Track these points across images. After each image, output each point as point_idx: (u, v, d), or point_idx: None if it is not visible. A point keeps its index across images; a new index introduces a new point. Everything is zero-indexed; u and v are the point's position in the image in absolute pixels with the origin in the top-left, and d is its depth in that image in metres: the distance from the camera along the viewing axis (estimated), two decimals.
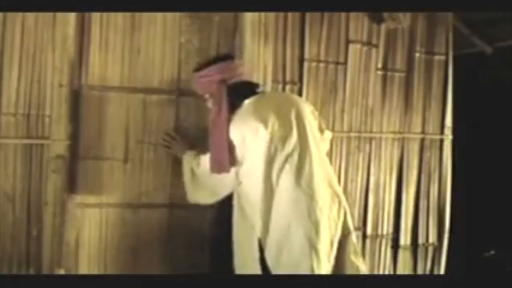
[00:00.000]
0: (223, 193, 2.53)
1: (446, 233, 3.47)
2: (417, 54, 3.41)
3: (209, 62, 2.57)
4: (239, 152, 2.40)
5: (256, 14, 2.91)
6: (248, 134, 2.38)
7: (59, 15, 2.62)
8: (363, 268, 2.54)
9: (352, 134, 3.24)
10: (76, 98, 2.68)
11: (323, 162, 2.50)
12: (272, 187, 2.38)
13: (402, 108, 3.38)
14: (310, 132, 2.48)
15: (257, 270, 2.40)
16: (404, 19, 3.25)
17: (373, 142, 3.31)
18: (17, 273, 2.60)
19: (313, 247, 2.34)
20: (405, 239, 3.40)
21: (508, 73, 4.27)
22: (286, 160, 2.38)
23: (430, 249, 3.46)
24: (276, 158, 2.38)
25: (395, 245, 3.38)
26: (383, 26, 3.28)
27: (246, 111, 2.45)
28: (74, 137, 2.68)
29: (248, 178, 2.42)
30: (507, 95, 4.35)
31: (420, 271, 3.42)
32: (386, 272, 3.33)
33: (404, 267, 3.40)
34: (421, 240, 3.43)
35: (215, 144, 2.43)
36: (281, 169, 2.38)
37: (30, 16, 2.60)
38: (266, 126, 2.38)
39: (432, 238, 3.46)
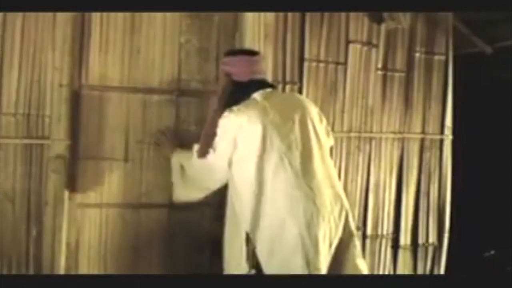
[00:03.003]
0: (213, 186, 2.53)
1: (446, 233, 3.47)
2: (417, 54, 3.41)
3: (231, 53, 2.62)
4: (232, 140, 2.40)
5: (256, 14, 2.91)
6: (246, 123, 2.38)
7: (59, 15, 2.62)
8: (365, 272, 2.54)
9: (352, 134, 3.24)
10: (76, 98, 2.68)
11: (326, 164, 2.50)
12: (265, 182, 2.36)
13: (402, 108, 3.38)
14: (314, 133, 2.48)
15: (243, 266, 2.39)
16: (404, 19, 3.25)
17: (373, 142, 3.31)
18: (17, 273, 2.60)
19: (305, 247, 2.32)
20: (405, 239, 3.40)
21: (508, 73, 4.27)
22: (284, 157, 2.37)
23: (430, 249, 3.46)
24: (273, 154, 2.37)
25: (395, 245, 3.38)
26: (383, 26, 3.28)
27: (250, 103, 2.45)
28: (74, 137, 2.68)
29: (239, 170, 2.42)
30: (507, 95, 4.36)
31: (420, 271, 3.42)
32: (386, 272, 3.33)
33: (404, 267, 3.40)
34: (421, 240, 3.43)
35: (204, 130, 2.46)
36: (278, 166, 2.37)
37: (30, 16, 2.60)
38: (265, 120, 2.38)
39: (432, 238, 3.46)
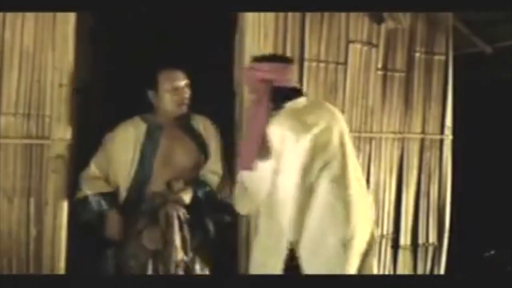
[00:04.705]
0: (261, 197, 2.46)
1: (446, 233, 3.47)
2: (417, 54, 3.40)
3: (266, 58, 2.55)
4: (275, 151, 2.38)
5: (256, 14, 2.91)
6: (289, 135, 2.37)
7: (59, 15, 2.62)
8: (375, 271, 2.59)
9: (352, 134, 3.23)
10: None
11: (356, 170, 2.53)
12: (307, 192, 2.37)
13: (402, 108, 3.38)
14: (347, 141, 2.50)
15: (278, 271, 2.39)
16: (404, 19, 3.25)
17: (373, 142, 3.31)
18: (17, 273, 2.60)
19: (347, 253, 2.38)
20: (405, 239, 3.40)
21: (508, 73, 4.27)
22: (325, 166, 2.39)
23: (430, 249, 3.46)
24: (315, 164, 2.38)
25: (395, 245, 3.38)
26: (383, 26, 3.28)
27: (289, 112, 2.44)
28: (74, 137, 2.68)
29: (284, 180, 2.39)
30: (507, 95, 4.35)
31: (420, 271, 3.42)
32: (386, 272, 3.33)
33: (404, 267, 3.39)
34: (421, 240, 3.43)
35: (249, 139, 2.44)
36: (319, 175, 2.38)
37: (30, 16, 2.60)
38: (308, 130, 2.38)
39: (432, 238, 3.46)
